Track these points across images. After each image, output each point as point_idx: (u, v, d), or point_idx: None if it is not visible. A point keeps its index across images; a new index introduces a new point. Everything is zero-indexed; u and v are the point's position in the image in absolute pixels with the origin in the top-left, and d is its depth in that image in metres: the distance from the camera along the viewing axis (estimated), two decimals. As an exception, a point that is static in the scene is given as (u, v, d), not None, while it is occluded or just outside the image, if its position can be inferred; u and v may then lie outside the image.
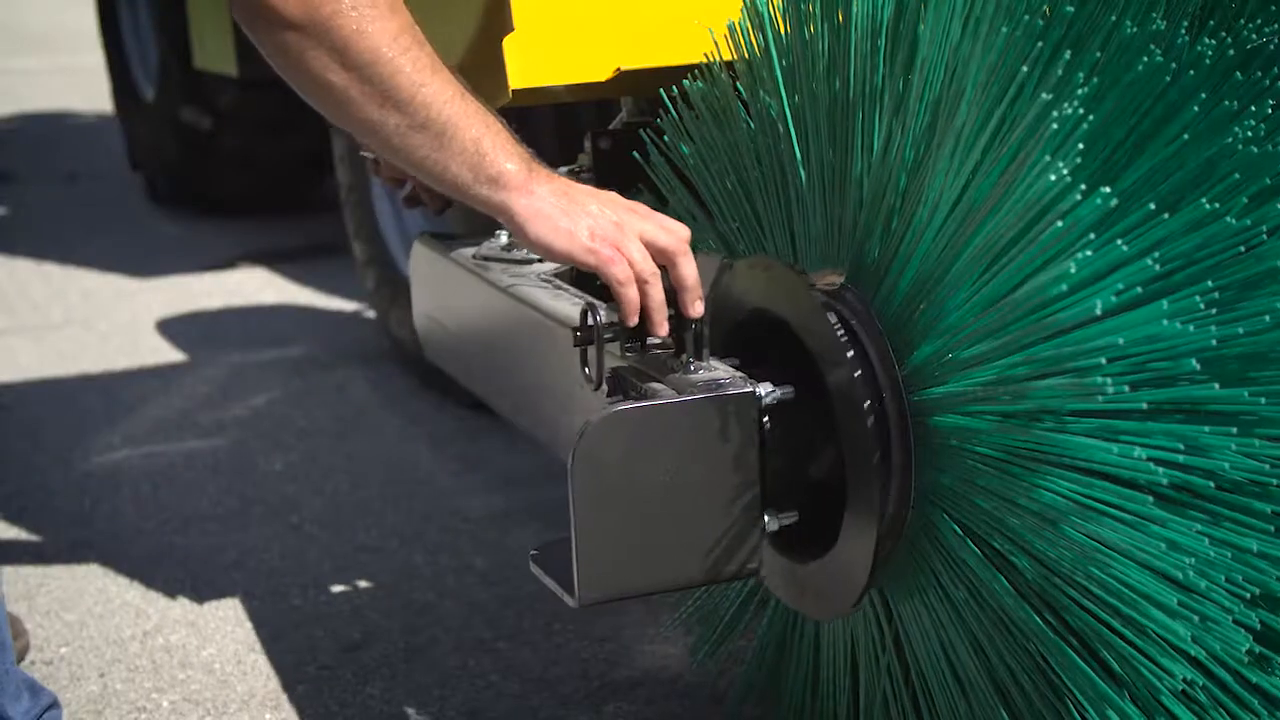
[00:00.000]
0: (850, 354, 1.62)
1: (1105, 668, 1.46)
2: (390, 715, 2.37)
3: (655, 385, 1.66)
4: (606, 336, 1.69)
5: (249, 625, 2.70)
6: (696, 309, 1.66)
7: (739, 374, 1.68)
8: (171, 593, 2.84)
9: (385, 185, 2.56)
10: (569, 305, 1.89)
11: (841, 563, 1.69)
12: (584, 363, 1.73)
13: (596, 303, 1.74)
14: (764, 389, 1.64)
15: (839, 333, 1.64)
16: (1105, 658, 1.45)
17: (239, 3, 1.55)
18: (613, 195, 1.69)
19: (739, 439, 1.63)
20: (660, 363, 1.72)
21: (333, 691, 2.45)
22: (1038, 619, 1.50)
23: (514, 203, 1.61)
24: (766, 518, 1.67)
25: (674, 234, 1.67)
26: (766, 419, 1.66)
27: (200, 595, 2.82)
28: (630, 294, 1.63)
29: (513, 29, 2.12)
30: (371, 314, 4.42)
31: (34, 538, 3.13)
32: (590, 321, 1.69)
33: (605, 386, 1.73)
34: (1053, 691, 1.52)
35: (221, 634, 2.67)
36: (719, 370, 1.68)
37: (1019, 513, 1.48)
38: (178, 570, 2.94)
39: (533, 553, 1.74)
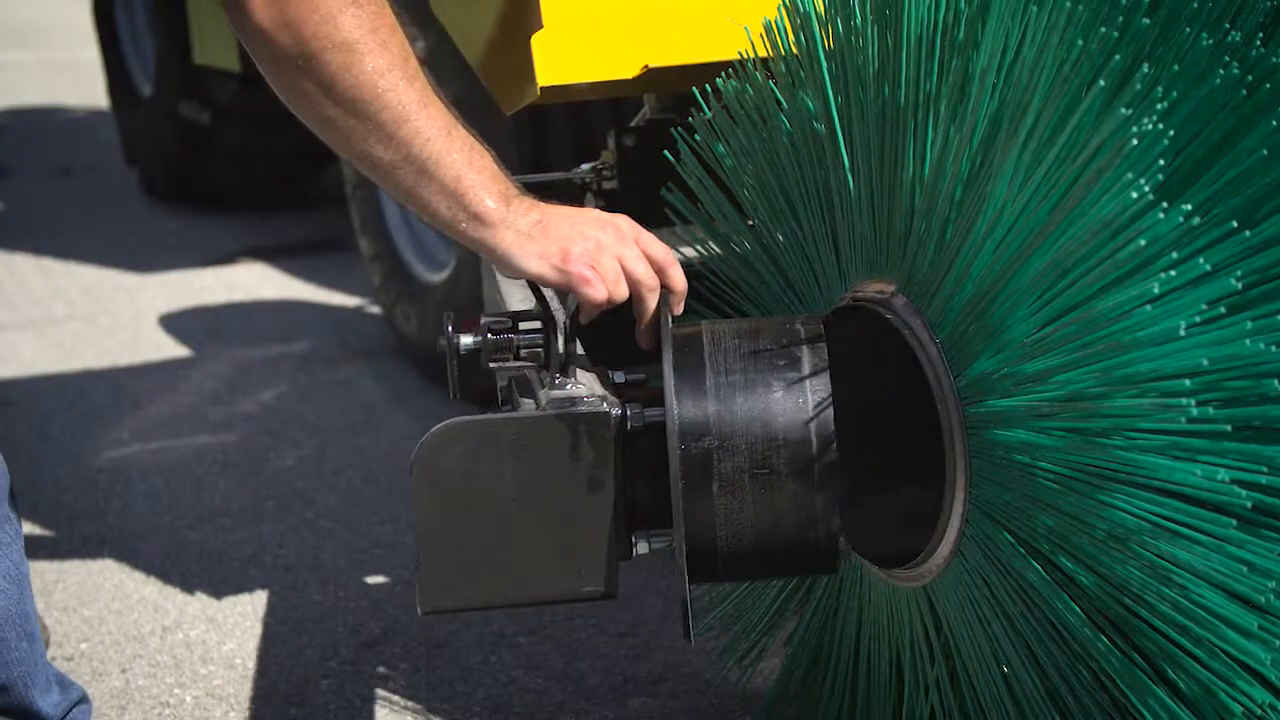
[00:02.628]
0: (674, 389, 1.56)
1: (1173, 688, 1.41)
2: (414, 710, 2.32)
3: (525, 400, 1.63)
4: (467, 347, 1.66)
5: (268, 620, 2.64)
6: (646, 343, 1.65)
7: (601, 393, 1.62)
8: (189, 588, 2.78)
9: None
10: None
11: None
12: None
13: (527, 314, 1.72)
14: (629, 410, 1.58)
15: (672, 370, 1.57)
16: (1173, 679, 1.40)
17: (241, 33, 1.54)
18: (596, 215, 1.65)
19: (592, 459, 1.57)
20: (536, 378, 1.68)
21: (355, 686, 2.40)
22: (1104, 638, 1.45)
23: (491, 239, 1.61)
24: (635, 540, 1.61)
25: (655, 261, 1.64)
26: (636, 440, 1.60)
27: (218, 590, 2.76)
28: (590, 313, 1.63)
29: (541, 26, 2.11)
30: (376, 309, 4.40)
31: (47, 533, 3.07)
32: (446, 334, 1.67)
33: (517, 401, 1.70)
34: (1117, 710, 1.47)
35: (241, 629, 2.62)
36: (582, 388, 1.63)
37: (1087, 531, 1.43)
38: (194, 565, 2.88)
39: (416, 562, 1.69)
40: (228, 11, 1.53)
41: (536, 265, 1.61)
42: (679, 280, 1.66)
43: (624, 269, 1.61)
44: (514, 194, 1.62)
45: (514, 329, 1.69)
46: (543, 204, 1.64)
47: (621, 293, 1.61)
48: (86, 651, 2.58)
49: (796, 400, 1.57)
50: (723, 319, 1.71)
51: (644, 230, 1.66)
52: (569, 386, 1.63)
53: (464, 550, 1.59)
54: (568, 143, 3.26)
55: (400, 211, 4.00)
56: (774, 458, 1.56)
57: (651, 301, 1.63)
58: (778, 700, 2.06)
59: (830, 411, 1.57)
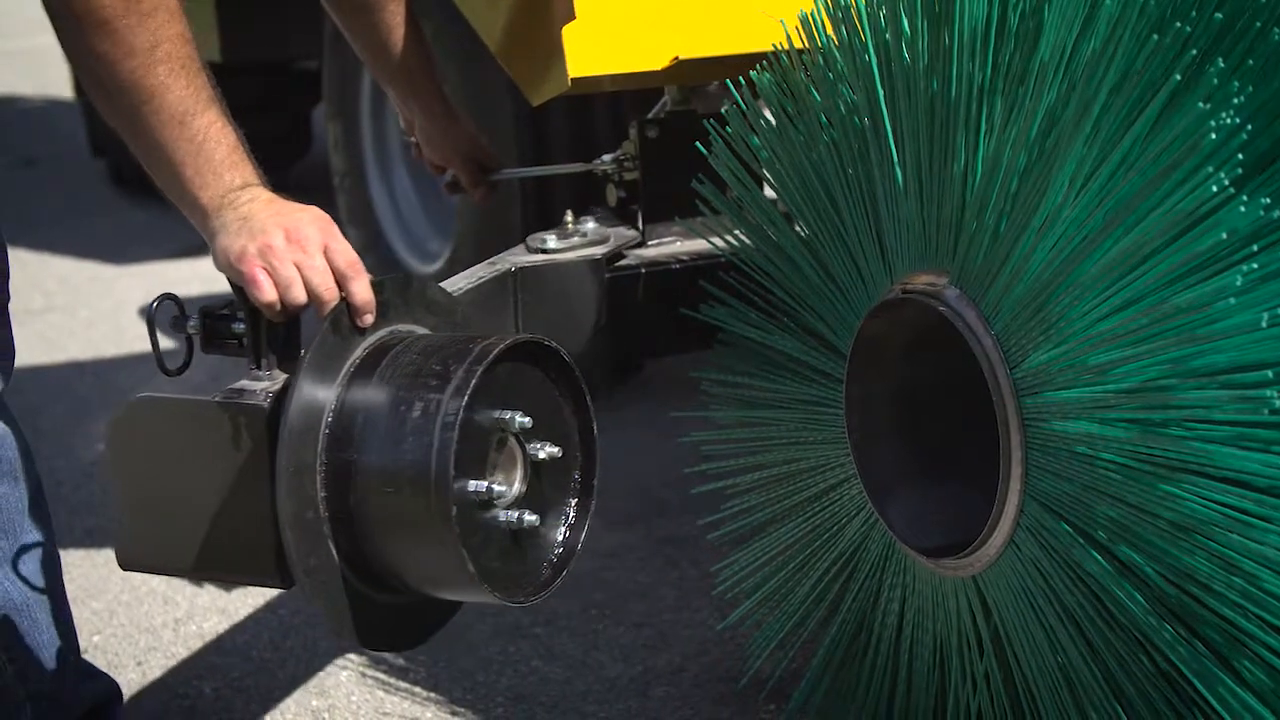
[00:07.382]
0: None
1: (1238, 677, 1.41)
2: (438, 702, 2.30)
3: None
4: (192, 330, 1.67)
5: (280, 612, 2.61)
6: None
7: (276, 389, 1.61)
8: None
9: (431, 172, 2.53)
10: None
11: None
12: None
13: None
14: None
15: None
16: (1239, 667, 1.40)
17: None
18: (293, 218, 1.63)
19: (250, 449, 1.58)
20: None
21: (376, 677, 2.38)
22: (1169, 628, 1.45)
23: (203, 228, 1.63)
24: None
25: (337, 272, 1.62)
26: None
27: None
28: (270, 314, 1.63)
29: (573, 17, 2.10)
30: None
31: (46, 525, 3.06)
32: (149, 310, 1.69)
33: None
34: (1181, 700, 1.48)
35: (254, 621, 2.58)
36: (264, 382, 1.63)
37: (1151, 521, 1.43)
38: (200, 557, 2.88)
39: None
40: None
41: (220, 260, 1.62)
42: (360, 294, 1.63)
43: (302, 276, 1.60)
44: (239, 186, 1.62)
45: (233, 317, 1.67)
46: (265, 200, 1.63)
47: (294, 298, 1.59)
48: (100, 644, 2.55)
49: (428, 420, 1.54)
50: (431, 334, 1.71)
51: (338, 238, 1.64)
52: (261, 379, 1.64)
53: (155, 518, 1.65)
54: (567, 134, 3.25)
55: (389, 202, 3.99)
56: (399, 476, 1.55)
57: (323, 311, 1.62)
58: (813, 689, 2.06)
59: (454, 434, 1.52)
